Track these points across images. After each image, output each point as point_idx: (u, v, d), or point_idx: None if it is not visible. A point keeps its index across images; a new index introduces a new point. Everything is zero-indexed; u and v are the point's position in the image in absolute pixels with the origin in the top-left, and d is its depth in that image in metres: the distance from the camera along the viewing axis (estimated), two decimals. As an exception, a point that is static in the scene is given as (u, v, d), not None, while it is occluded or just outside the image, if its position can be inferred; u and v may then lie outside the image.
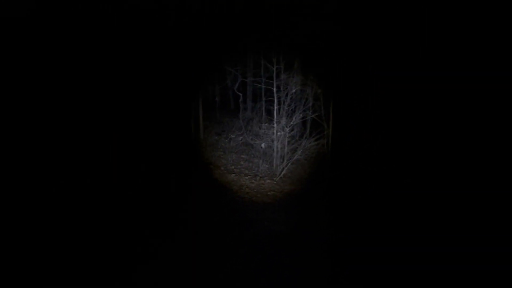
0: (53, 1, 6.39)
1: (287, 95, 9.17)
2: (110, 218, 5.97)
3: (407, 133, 5.69)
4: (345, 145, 7.22)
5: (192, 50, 7.56)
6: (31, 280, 4.57)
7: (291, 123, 9.13)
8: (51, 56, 6.34)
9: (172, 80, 7.64)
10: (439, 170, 5.21)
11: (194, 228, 6.07)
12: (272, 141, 9.21)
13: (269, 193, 8.02)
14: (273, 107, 9.36)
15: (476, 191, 4.84)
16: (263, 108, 10.58)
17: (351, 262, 5.13)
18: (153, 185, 6.85)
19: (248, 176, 8.82)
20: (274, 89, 9.24)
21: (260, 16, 7.11)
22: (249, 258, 5.27)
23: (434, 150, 5.33)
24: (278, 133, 8.98)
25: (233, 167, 9.28)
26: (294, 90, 9.39)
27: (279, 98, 9.31)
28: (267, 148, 9.25)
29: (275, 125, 9.16)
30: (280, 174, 8.77)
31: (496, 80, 4.88)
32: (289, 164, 8.99)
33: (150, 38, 7.21)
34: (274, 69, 9.21)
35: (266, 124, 9.68)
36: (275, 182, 8.56)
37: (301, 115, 9.41)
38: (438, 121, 5.40)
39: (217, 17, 7.21)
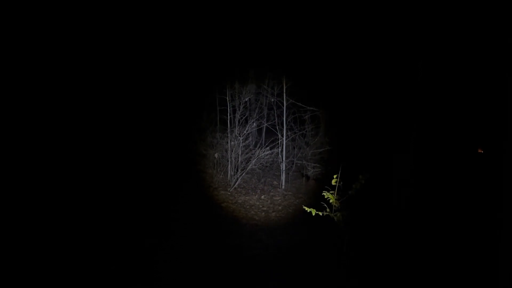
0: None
1: (240, 104, 8.89)
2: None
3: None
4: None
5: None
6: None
7: (245, 132, 8.85)
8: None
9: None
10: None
11: (135, 241, 5.59)
12: (226, 151, 8.87)
13: (222, 204, 7.65)
14: (227, 117, 9.06)
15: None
16: (217, 118, 10.24)
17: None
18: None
19: (201, 188, 8.42)
20: (228, 98, 8.95)
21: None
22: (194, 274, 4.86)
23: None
24: (232, 143, 8.66)
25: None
26: (247, 99, 9.15)
27: (233, 107, 9.02)
28: (221, 158, 8.90)
29: (228, 134, 8.85)
30: (234, 185, 8.43)
31: None
32: (243, 174, 8.68)
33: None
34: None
35: (220, 133, 9.33)
36: (229, 193, 8.21)
37: (255, 123, 9.17)
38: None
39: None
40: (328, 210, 3.95)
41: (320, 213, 3.96)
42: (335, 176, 4.00)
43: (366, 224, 5.11)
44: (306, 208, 3.99)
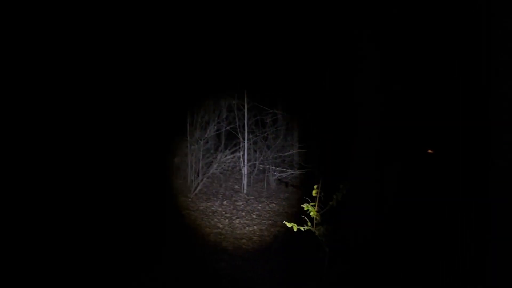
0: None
1: (200, 106, 8.17)
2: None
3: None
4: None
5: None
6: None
7: (206, 135, 8.14)
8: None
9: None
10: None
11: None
12: (186, 155, 8.10)
13: (182, 212, 6.89)
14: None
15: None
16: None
17: None
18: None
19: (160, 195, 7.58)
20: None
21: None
22: None
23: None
24: (192, 147, 7.90)
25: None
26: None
27: (191, 110, 8.26)
28: (181, 163, 8.11)
29: (188, 138, 8.07)
30: (195, 190, 7.68)
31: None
32: (205, 179, 7.96)
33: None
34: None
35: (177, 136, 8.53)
36: (189, 199, 7.46)
37: (215, 127, 8.48)
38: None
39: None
40: (309, 224, 3.43)
41: (302, 228, 3.43)
42: (315, 187, 3.49)
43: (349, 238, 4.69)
44: (288, 224, 3.43)
